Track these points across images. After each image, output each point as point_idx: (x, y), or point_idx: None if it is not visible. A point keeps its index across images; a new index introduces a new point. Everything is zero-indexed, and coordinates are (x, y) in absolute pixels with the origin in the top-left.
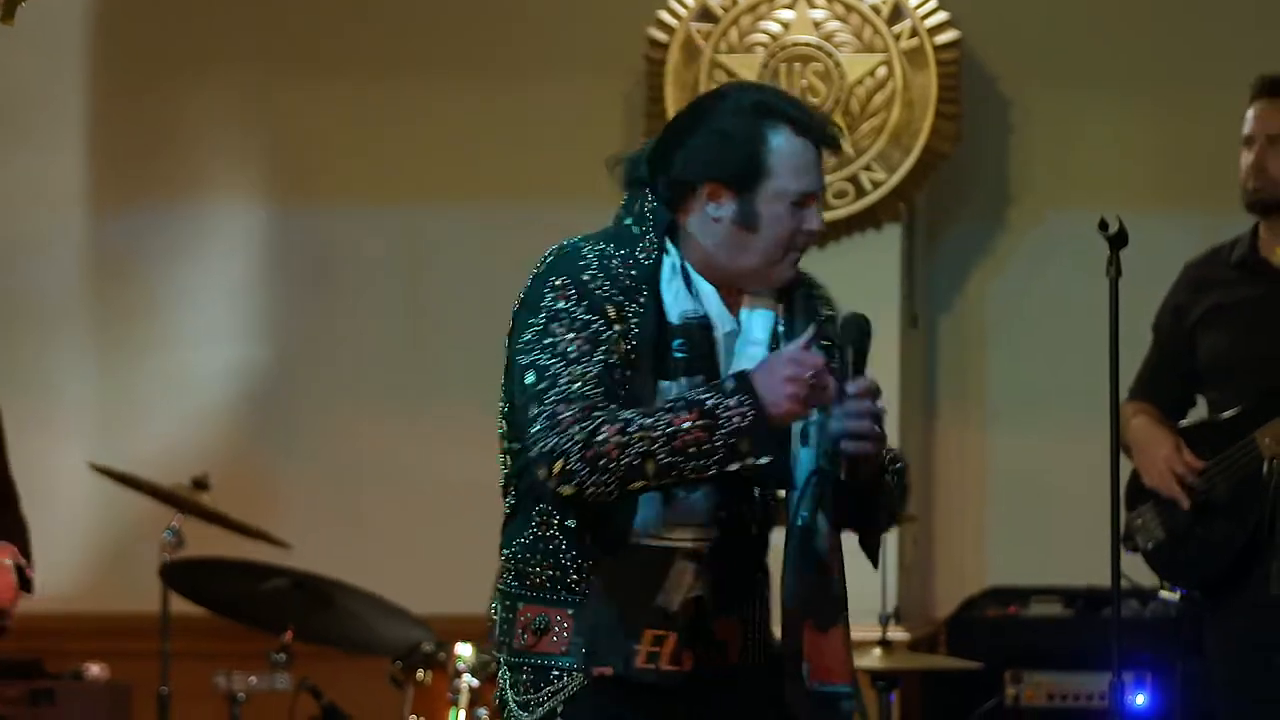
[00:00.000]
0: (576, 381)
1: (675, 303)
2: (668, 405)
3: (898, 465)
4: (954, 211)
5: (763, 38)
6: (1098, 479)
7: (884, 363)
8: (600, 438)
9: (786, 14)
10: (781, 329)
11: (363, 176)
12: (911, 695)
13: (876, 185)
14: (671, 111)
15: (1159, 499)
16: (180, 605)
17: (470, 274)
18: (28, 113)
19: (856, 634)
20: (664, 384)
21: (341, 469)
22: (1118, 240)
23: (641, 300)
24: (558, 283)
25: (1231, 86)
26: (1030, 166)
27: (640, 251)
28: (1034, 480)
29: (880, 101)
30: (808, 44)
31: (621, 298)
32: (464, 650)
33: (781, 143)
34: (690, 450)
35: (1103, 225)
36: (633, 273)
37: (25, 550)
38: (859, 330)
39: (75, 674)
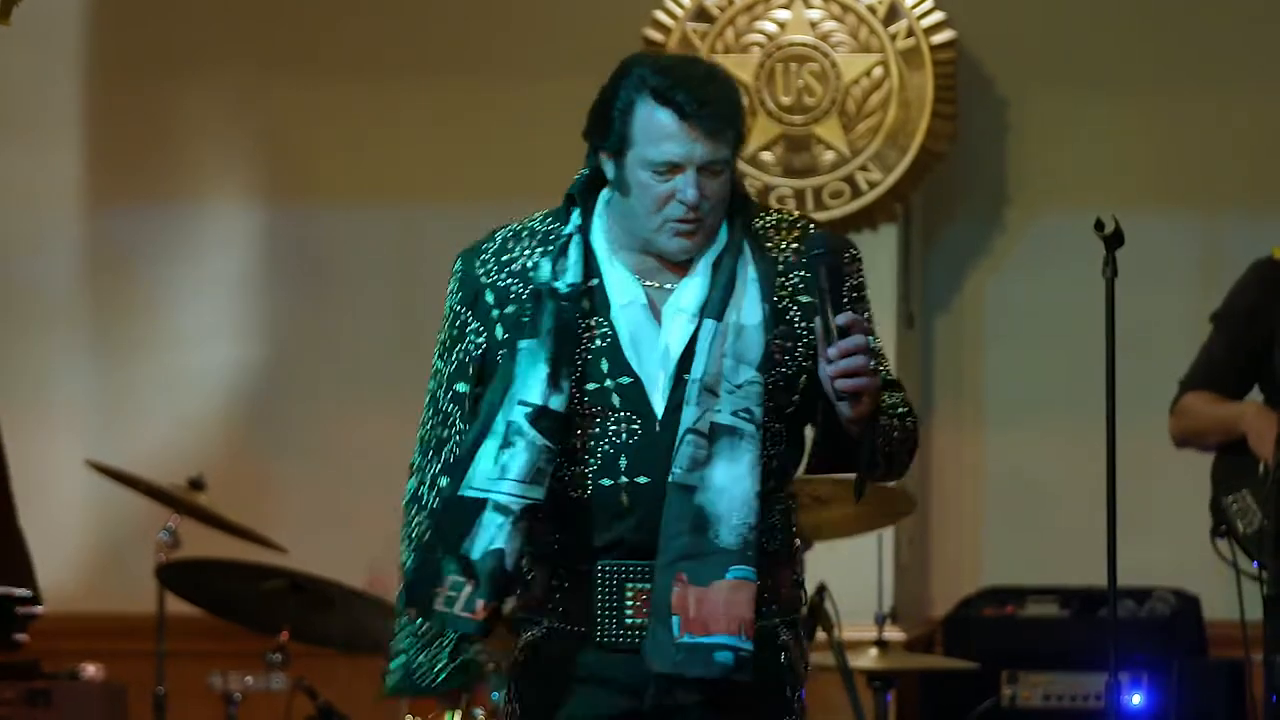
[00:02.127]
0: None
1: (560, 273)
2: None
3: (903, 412)
4: (950, 212)
5: (759, 38)
6: (1094, 479)
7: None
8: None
9: (782, 14)
10: (701, 298)
11: (358, 175)
12: (908, 695)
13: (872, 185)
14: None
15: (1255, 481)
16: (176, 605)
17: None
18: (23, 111)
19: (853, 634)
20: (523, 343)
21: (337, 467)
22: (1114, 240)
23: (527, 275)
24: (454, 269)
25: (1227, 87)
26: (1026, 167)
27: (556, 224)
28: (1030, 480)
29: (876, 101)
30: (804, 44)
31: (508, 280)
32: None
33: (643, 111)
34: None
35: (1099, 225)
36: (537, 248)
37: (28, 574)
38: (827, 259)
39: (71, 674)
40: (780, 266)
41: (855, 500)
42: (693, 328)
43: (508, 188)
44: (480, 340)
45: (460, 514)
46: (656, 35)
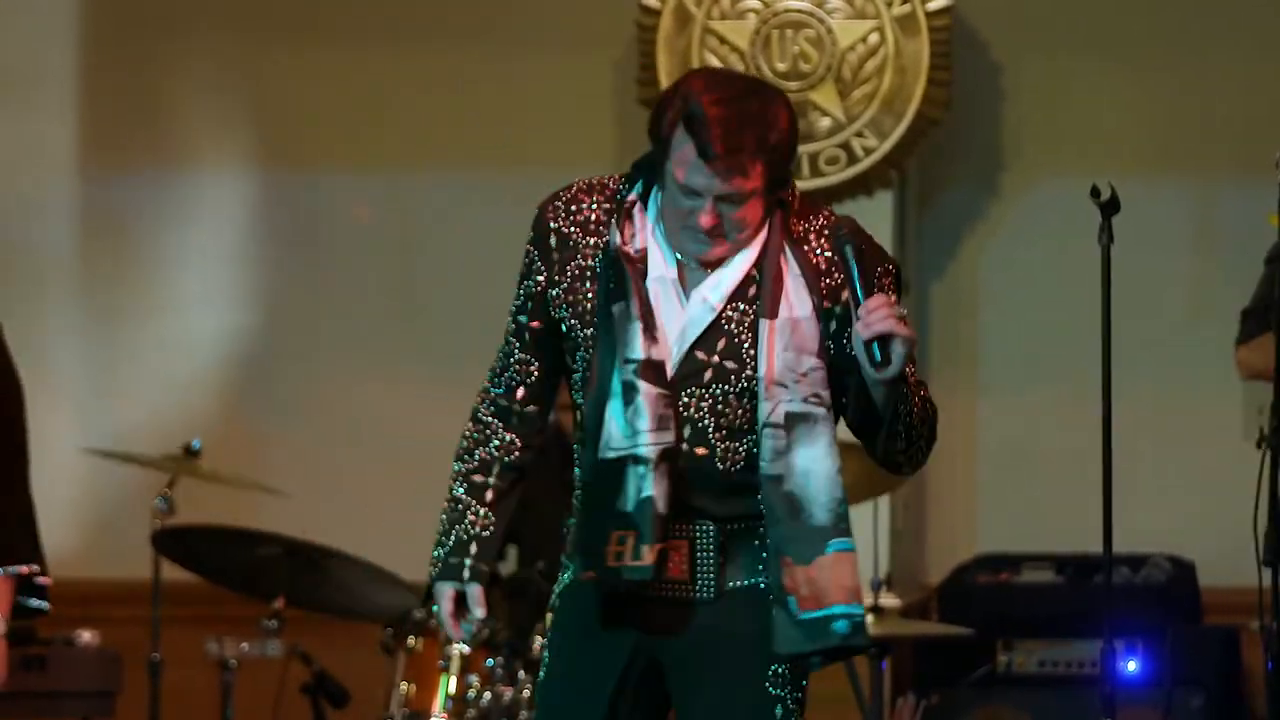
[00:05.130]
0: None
1: (630, 239)
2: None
3: (925, 395)
4: (946, 178)
5: (755, 4)
6: (1090, 445)
7: None
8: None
9: None
10: (726, 291)
11: (351, 143)
12: (903, 662)
13: (868, 152)
14: (664, 78)
15: None
16: (172, 572)
17: (460, 239)
18: (17, 78)
19: None
20: (611, 309)
21: (332, 434)
22: (1109, 207)
23: (597, 234)
24: (534, 214)
25: (1222, 52)
26: (1022, 133)
27: (624, 187)
28: (1026, 446)
29: (872, 68)
30: (799, 10)
31: (573, 229)
32: None
33: (679, 134)
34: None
35: (1094, 192)
36: (605, 205)
37: (36, 550)
38: (852, 240)
39: (67, 641)
40: (821, 268)
41: (870, 455)
42: (710, 319)
43: (503, 155)
44: (540, 278)
45: (608, 476)
46: (652, 2)
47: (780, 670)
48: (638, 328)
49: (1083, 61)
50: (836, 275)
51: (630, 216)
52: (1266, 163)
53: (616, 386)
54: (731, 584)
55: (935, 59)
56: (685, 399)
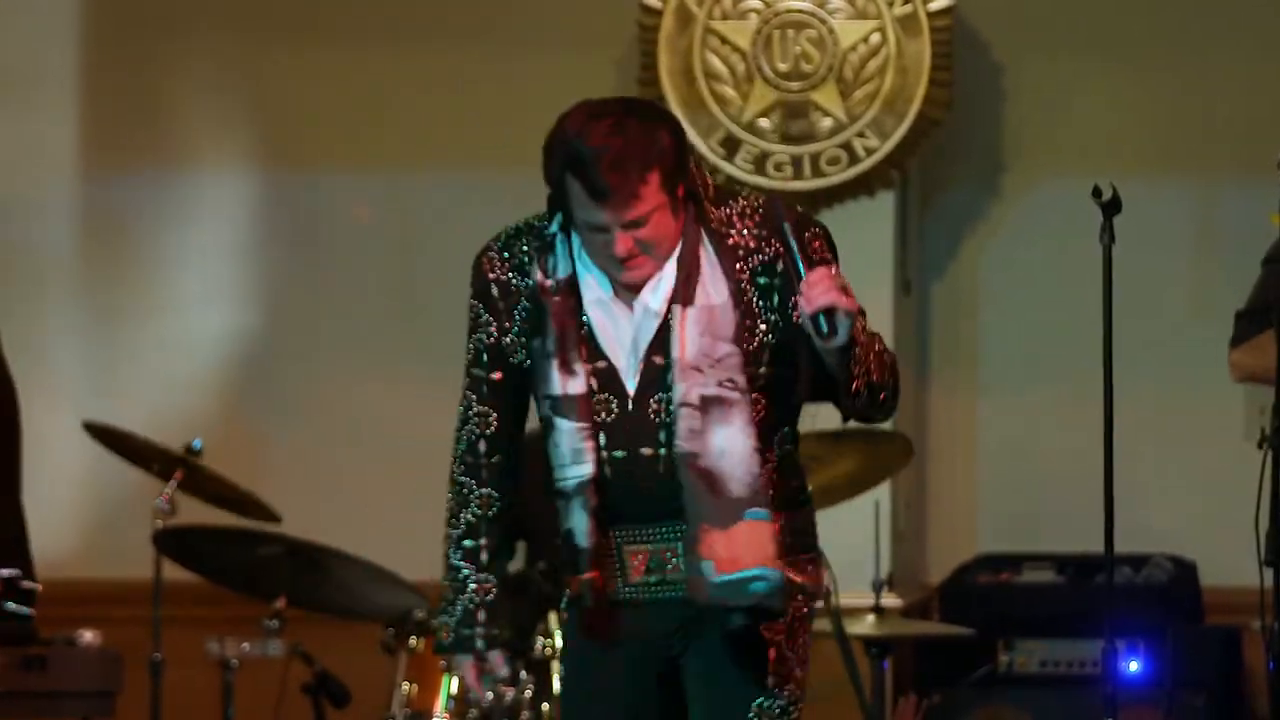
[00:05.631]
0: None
1: (551, 271)
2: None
3: (880, 348)
4: (947, 178)
5: (756, 4)
6: (1090, 445)
7: (878, 329)
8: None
9: None
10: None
11: (352, 143)
12: (904, 662)
13: (870, 152)
14: (665, 78)
15: None
16: (173, 572)
17: (460, 239)
18: (16, 79)
19: (849, 600)
20: (531, 346)
21: (332, 434)
22: (1111, 207)
23: (527, 271)
24: (471, 268)
25: (1223, 52)
26: (1023, 133)
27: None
28: (1027, 446)
29: (874, 68)
30: (801, 10)
31: (510, 274)
32: None
33: (568, 180)
34: None
35: (1096, 192)
36: (536, 244)
37: (24, 554)
38: (780, 223)
39: (68, 640)
40: (740, 252)
41: (843, 421)
42: (657, 322)
43: (503, 155)
44: (491, 329)
45: (553, 506)
46: (653, 1)
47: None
48: (553, 364)
49: (1084, 62)
50: (771, 248)
51: (551, 249)
52: (1268, 163)
53: (547, 421)
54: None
55: (937, 59)
56: (654, 405)
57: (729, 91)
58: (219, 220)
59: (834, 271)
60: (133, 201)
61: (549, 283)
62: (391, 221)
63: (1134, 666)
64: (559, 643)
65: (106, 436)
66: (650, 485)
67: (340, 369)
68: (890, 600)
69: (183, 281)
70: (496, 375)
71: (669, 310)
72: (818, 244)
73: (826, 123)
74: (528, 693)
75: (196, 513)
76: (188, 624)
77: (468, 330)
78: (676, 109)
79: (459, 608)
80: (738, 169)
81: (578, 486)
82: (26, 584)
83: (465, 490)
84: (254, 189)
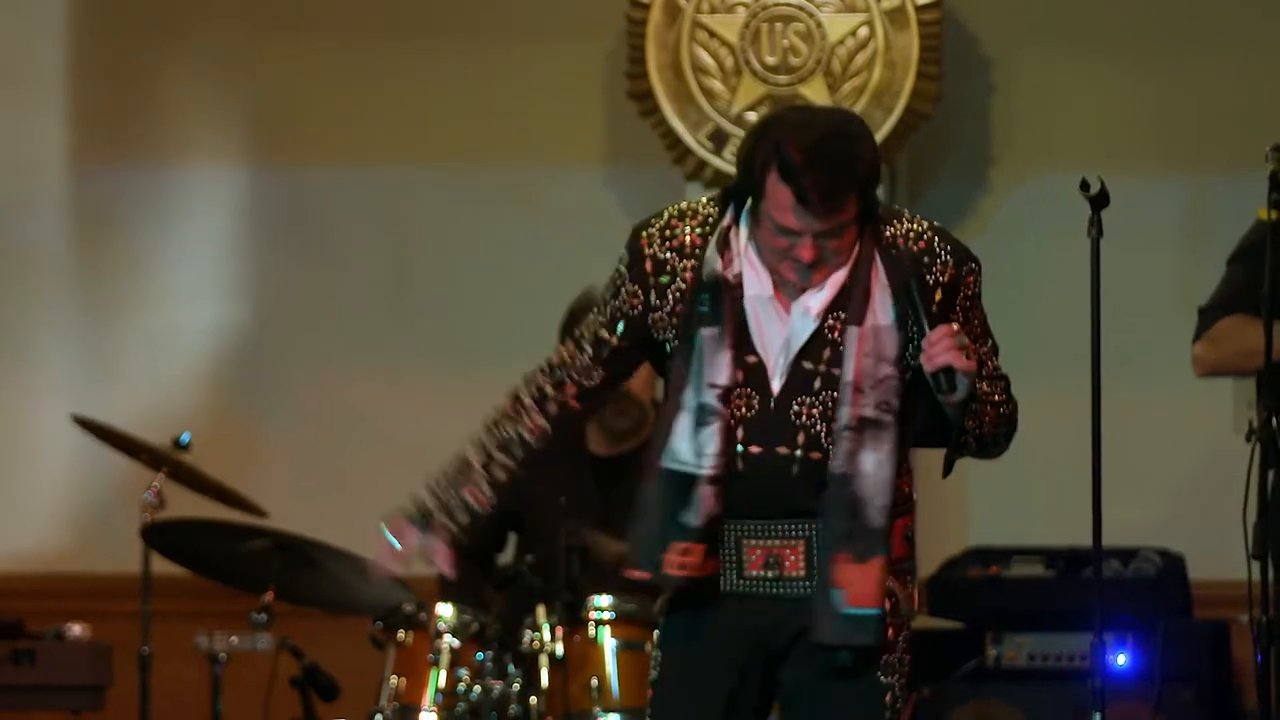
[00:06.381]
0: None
1: (709, 262)
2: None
3: (999, 400)
4: (935, 172)
5: None
6: (1080, 439)
7: None
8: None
9: None
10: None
11: (345, 138)
12: None
13: None
14: (653, 72)
15: None
16: (161, 566)
17: (453, 234)
18: (8, 73)
19: None
20: (699, 332)
21: (323, 429)
22: (1099, 201)
23: (694, 256)
24: (628, 236)
25: (1213, 47)
26: (1012, 127)
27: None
28: (1015, 440)
29: (861, 62)
30: (789, 4)
31: (669, 254)
32: (445, 611)
33: (771, 179)
34: None
35: (1084, 186)
36: (698, 229)
37: None
38: (908, 279)
39: (57, 634)
40: (924, 260)
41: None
42: (813, 328)
43: (492, 148)
44: (635, 301)
45: (674, 488)
46: None
47: (891, 659)
48: (727, 356)
49: (1073, 56)
50: (931, 275)
51: (728, 241)
52: (1257, 157)
53: (693, 404)
54: None
55: (925, 53)
56: (796, 407)
57: (717, 85)
58: (209, 215)
59: (955, 330)
60: (123, 196)
61: (728, 274)
62: (385, 217)
63: (1122, 660)
64: (546, 637)
65: (96, 430)
66: (779, 484)
67: (330, 363)
68: None
69: (173, 276)
70: (623, 344)
71: (826, 320)
72: (972, 279)
73: None
74: (516, 686)
75: (185, 507)
76: (176, 618)
77: (606, 295)
78: (665, 102)
79: (449, 497)
80: (727, 163)
81: (715, 477)
82: None
83: (525, 411)
84: (244, 184)
